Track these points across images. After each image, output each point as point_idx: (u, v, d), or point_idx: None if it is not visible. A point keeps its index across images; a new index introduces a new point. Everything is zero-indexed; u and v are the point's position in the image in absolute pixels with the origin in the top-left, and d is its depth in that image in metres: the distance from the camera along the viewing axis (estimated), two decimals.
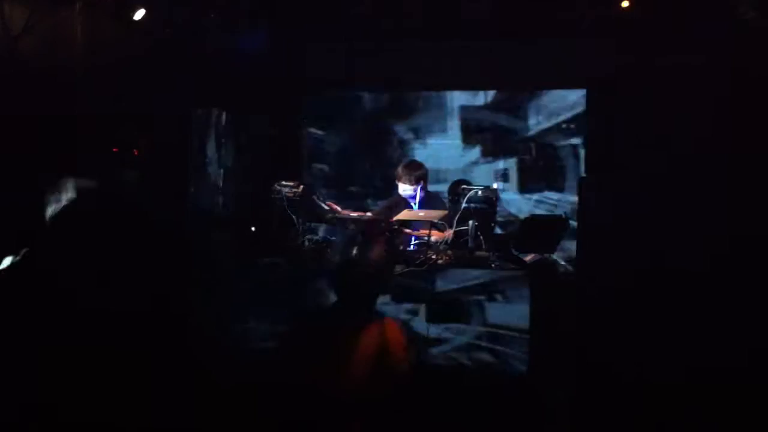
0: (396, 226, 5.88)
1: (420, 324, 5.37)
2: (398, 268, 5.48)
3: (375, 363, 3.75)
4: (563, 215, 6.46)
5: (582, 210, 6.83)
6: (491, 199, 5.80)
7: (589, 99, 7.34)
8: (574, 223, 6.18)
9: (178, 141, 7.33)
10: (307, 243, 5.77)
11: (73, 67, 6.44)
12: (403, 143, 8.30)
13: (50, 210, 5.55)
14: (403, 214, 5.98)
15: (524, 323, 5.19)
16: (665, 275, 5.32)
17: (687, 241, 5.86)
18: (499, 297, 5.32)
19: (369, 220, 5.94)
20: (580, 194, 6.68)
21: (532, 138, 7.97)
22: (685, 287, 5.17)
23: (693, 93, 6.51)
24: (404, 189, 6.31)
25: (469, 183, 6.12)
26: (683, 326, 4.87)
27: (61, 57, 6.38)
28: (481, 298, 5.33)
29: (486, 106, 8.10)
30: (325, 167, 8.42)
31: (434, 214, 5.89)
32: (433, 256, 5.62)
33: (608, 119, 7.07)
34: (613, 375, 4.55)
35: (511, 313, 5.25)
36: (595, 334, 5.00)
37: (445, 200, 6.45)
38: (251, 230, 6.14)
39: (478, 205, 5.68)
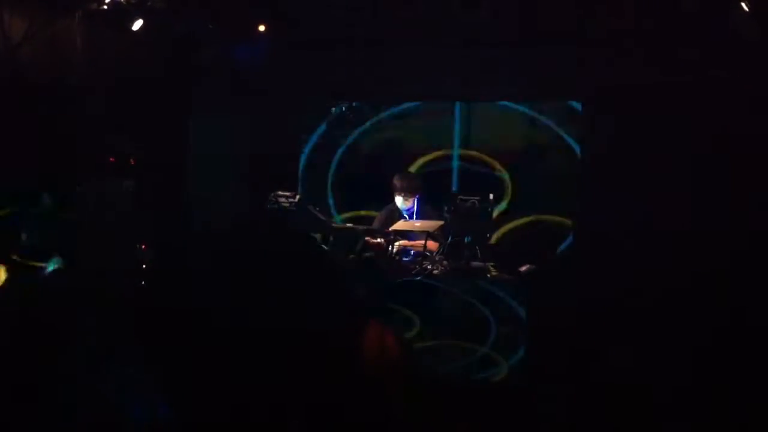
0: (392, 237, 5.91)
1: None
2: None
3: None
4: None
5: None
6: (487, 209, 5.84)
7: (585, 110, 7.34)
8: None
9: (176, 150, 7.38)
10: None
11: (72, 75, 6.47)
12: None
13: None
14: (400, 225, 6.00)
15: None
16: (659, 279, 5.36)
17: (684, 242, 5.94)
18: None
19: (366, 231, 5.97)
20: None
21: None
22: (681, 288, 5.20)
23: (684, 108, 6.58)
24: (401, 201, 6.29)
25: (465, 194, 6.14)
26: (678, 329, 4.89)
27: (60, 66, 6.42)
28: None
29: None
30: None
31: (430, 225, 5.92)
32: (429, 267, 5.66)
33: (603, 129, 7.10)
34: (609, 379, 4.57)
35: None
36: (591, 340, 5.02)
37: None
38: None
39: (474, 216, 5.72)
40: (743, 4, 5.98)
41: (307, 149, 7.82)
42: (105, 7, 6.47)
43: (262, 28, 7.21)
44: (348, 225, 6.17)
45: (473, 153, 7.58)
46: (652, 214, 6.46)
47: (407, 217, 6.25)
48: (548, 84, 7.15)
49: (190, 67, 7.31)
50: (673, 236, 6.14)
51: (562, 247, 7.17)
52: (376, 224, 6.40)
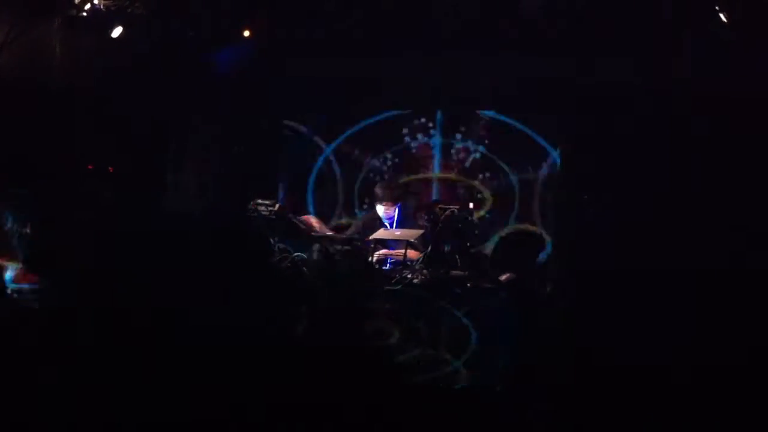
0: (372, 245, 5.90)
1: None
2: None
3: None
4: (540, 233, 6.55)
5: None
6: (467, 218, 5.85)
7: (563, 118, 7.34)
8: None
9: (155, 155, 7.34)
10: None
11: (51, 81, 6.43)
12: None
13: None
14: (380, 233, 5.99)
15: None
16: (640, 280, 5.37)
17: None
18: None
19: (346, 240, 5.96)
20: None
21: None
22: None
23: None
24: (383, 210, 6.28)
25: (445, 203, 6.15)
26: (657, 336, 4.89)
27: (39, 72, 6.38)
28: None
29: None
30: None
31: (410, 233, 5.91)
32: (409, 275, 5.64)
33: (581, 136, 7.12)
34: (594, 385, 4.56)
35: None
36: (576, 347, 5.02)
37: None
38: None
39: (454, 225, 5.72)
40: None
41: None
42: (85, 13, 6.44)
43: (246, 33, 7.18)
44: (328, 234, 6.14)
45: (452, 176, 7.66)
46: (630, 220, 6.50)
47: (388, 225, 6.25)
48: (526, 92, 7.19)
49: (170, 72, 7.27)
50: (651, 240, 6.17)
51: (542, 256, 7.20)
52: (352, 230, 6.40)
